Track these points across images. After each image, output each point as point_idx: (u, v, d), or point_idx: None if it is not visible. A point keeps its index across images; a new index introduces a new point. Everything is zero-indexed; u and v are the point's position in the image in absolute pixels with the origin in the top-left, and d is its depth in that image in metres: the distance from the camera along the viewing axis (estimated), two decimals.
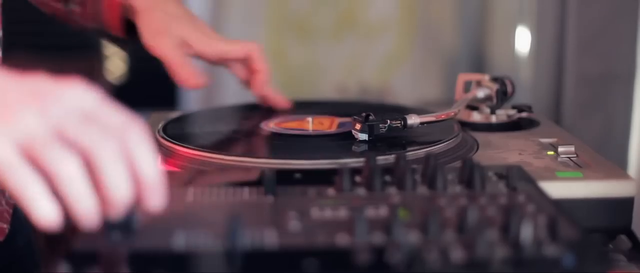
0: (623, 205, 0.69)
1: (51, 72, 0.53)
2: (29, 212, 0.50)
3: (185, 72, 0.89)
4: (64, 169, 0.49)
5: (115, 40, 1.00)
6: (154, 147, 0.53)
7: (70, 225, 0.52)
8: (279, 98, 0.97)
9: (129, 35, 0.95)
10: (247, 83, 0.98)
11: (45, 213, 0.49)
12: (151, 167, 0.52)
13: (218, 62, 0.96)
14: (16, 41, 1.01)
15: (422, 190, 0.61)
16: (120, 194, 0.50)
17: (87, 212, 0.50)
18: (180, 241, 0.51)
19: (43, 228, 0.50)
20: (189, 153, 0.77)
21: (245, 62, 0.96)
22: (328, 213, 0.56)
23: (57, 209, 0.50)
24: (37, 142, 0.49)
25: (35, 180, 0.49)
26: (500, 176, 0.64)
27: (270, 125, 0.88)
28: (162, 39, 0.90)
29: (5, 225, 0.84)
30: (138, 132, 0.52)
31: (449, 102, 0.96)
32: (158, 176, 0.52)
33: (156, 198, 0.52)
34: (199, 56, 0.93)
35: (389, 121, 0.79)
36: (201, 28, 0.93)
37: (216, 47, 0.92)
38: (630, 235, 0.69)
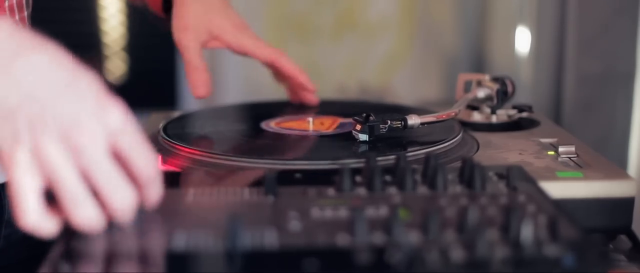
0: (623, 205, 0.69)
1: None
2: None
3: (195, 79, 0.91)
4: (80, 215, 0.51)
5: (158, 20, 1.01)
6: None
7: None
8: (309, 96, 0.99)
9: (169, 15, 0.97)
10: (276, 79, 1.00)
11: (43, 236, 0.52)
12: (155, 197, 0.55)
13: (244, 56, 0.97)
14: None
15: (423, 190, 0.61)
16: (127, 220, 0.53)
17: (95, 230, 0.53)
18: (180, 241, 0.51)
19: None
20: (189, 153, 0.77)
21: (272, 65, 0.97)
22: (328, 213, 0.56)
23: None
24: (59, 182, 0.50)
25: (49, 223, 0.52)
26: (501, 176, 0.64)
27: (271, 125, 0.88)
28: (187, 34, 0.92)
29: None
30: (156, 179, 0.54)
31: (449, 102, 0.96)
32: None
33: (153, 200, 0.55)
34: (226, 48, 0.95)
35: (389, 121, 0.79)
36: (233, 20, 0.95)
37: (242, 44, 0.94)
38: (630, 235, 0.69)
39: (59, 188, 0.51)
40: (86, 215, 0.51)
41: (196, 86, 0.91)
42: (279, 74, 0.99)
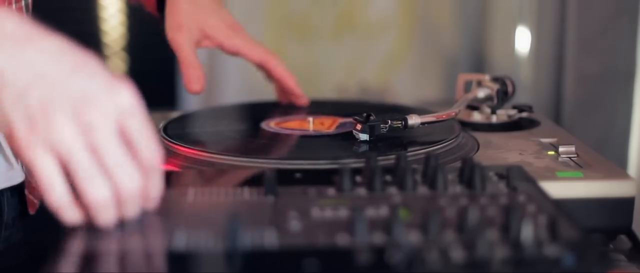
0: (623, 205, 0.69)
1: None
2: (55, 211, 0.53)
3: (190, 75, 0.91)
4: (93, 192, 0.52)
5: (154, 19, 1.02)
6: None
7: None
8: (297, 100, 0.99)
9: (162, 15, 0.98)
10: (267, 79, 1.00)
11: (69, 218, 0.53)
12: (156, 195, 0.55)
13: (235, 56, 0.98)
14: None
15: (423, 190, 0.61)
16: (133, 211, 0.54)
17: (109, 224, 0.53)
18: (180, 241, 0.51)
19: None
20: (189, 153, 0.77)
21: (262, 67, 0.97)
22: (328, 213, 0.56)
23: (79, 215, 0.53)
24: (72, 160, 0.51)
25: (70, 202, 0.52)
26: (501, 176, 0.64)
27: (271, 125, 0.88)
28: (181, 33, 0.92)
29: (37, 200, 0.85)
30: (158, 171, 0.55)
31: (449, 102, 0.96)
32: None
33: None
34: (218, 47, 0.96)
35: (389, 121, 0.79)
36: (225, 19, 0.95)
37: (235, 44, 0.95)
38: (630, 235, 0.69)
39: (73, 166, 0.51)
40: (100, 193, 0.51)
41: (190, 82, 0.91)
42: (269, 76, 0.99)
